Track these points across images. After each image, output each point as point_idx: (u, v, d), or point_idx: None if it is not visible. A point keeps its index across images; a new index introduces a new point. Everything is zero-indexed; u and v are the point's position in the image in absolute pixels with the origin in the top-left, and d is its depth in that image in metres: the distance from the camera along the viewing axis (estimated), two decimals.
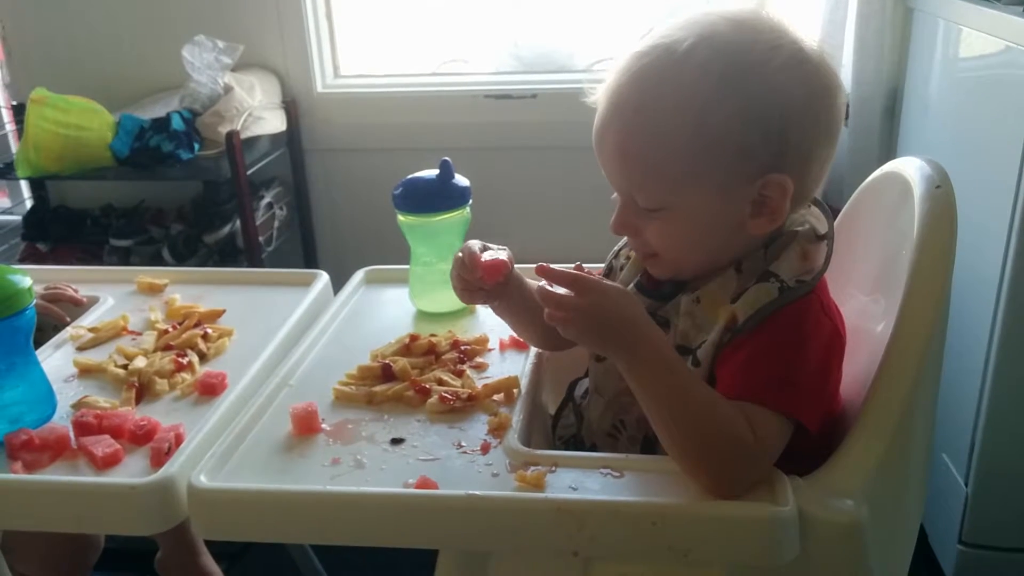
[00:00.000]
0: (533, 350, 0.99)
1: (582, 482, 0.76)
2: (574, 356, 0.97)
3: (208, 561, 1.38)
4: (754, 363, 0.75)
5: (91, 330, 1.08)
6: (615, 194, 0.83)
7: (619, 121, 0.78)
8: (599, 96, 0.81)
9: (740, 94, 0.74)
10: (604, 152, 0.80)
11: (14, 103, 2.07)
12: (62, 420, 0.91)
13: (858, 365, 0.82)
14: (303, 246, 2.15)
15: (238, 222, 1.90)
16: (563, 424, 0.93)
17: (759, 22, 0.77)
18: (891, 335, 0.79)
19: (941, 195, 0.82)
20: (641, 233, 0.81)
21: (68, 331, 1.09)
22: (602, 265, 0.96)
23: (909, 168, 0.88)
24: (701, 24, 0.77)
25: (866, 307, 0.89)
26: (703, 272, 0.82)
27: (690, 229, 0.79)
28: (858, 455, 0.76)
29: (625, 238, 0.89)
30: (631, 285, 0.88)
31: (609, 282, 0.78)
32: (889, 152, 1.84)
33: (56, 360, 1.03)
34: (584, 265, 0.86)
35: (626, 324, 0.75)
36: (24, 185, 2.24)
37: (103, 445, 0.84)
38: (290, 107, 2.02)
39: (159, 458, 0.83)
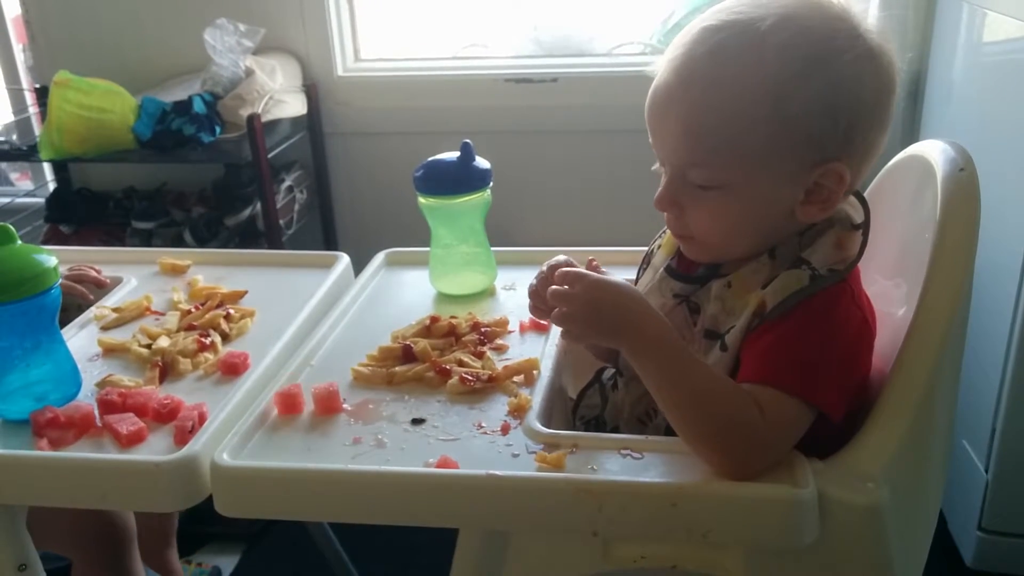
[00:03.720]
0: (554, 333, 0.99)
1: (602, 463, 0.77)
2: None
3: (174, 557, 1.39)
4: (777, 348, 0.75)
5: (115, 310, 1.09)
6: (656, 165, 0.82)
7: (689, 95, 0.77)
8: (661, 68, 0.79)
9: (820, 80, 0.74)
10: (665, 124, 0.79)
11: (37, 86, 2.09)
12: (87, 398, 0.92)
13: (879, 349, 0.82)
14: (323, 229, 2.16)
15: (259, 205, 1.91)
16: (586, 404, 0.93)
17: (835, 8, 0.77)
18: (912, 319, 0.79)
19: (964, 178, 0.81)
20: (686, 211, 0.80)
21: (92, 311, 1.10)
22: (616, 249, 0.95)
23: (932, 151, 0.87)
24: (779, 3, 0.76)
25: (887, 291, 0.88)
26: (738, 257, 0.81)
27: (741, 210, 0.78)
28: (878, 438, 0.75)
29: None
30: (662, 268, 0.88)
31: (601, 275, 0.79)
32: (912, 136, 1.83)
33: (81, 339, 1.05)
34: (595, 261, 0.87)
35: (621, 311, 0.76)
36: (47, 167, 2.26)
37: (127, 423, 0.85)
38: (311, 91, 2.03)
39: (183, 436, 0.84)
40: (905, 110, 1.81)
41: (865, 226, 0.80)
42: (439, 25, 2.22)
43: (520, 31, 2.17)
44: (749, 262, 0.81)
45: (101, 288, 1.17)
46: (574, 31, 2.15)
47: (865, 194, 0.97)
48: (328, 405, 0.88)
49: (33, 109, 2.10)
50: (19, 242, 0.89)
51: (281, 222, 1.93)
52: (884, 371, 0.80)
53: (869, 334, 0.80)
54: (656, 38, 2.21)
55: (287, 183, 1.99)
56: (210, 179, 2.07)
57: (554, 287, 0.78)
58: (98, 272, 1.18)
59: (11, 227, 0.89)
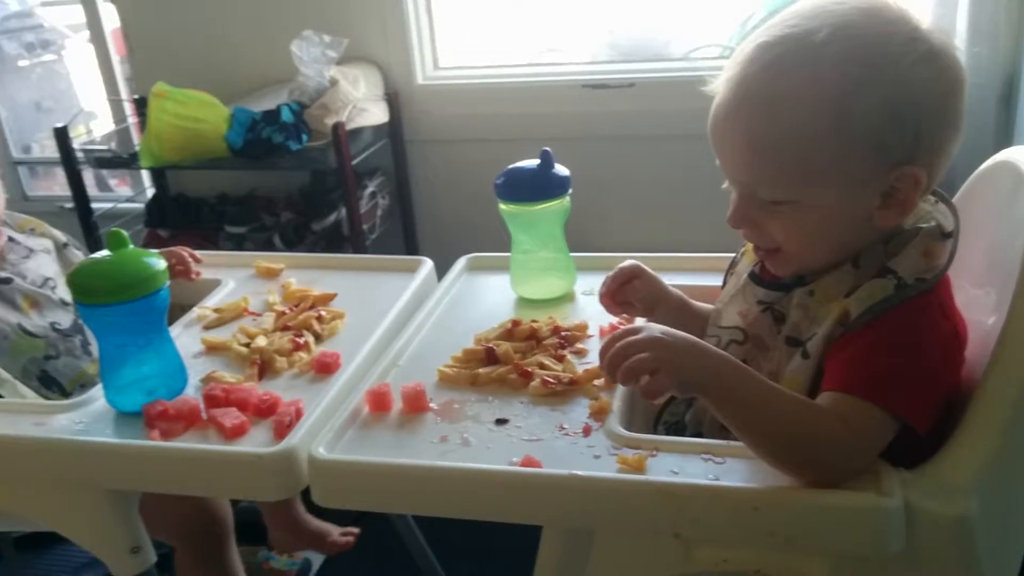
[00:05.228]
0: None
1: (683, 467, 0.78)
2: None
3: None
4: (862, 358, 0.75)
5: (216, 311, 1.16)
6: (726, 184, 0.83)
7: (749, 113, 0.77)
8: (720, 87, 0.79)
9: (880, 87, 0.73)
10: (728, 145, 0.79)
11: (136, 96, 2.20)
12: (192, 393, 0.98)
13: (969, 358, 0.81)
14: (404, 234, 2.21)
15: (344, 210, 1.97)
16: (671, 411, 0.94)
17: (890, 12, 0.76)
18: (1003, 328, 0.77)
19: None
20: (762, 227, 0.80)
21: (195, 311, 1.16)
22: (693, 255, 0.95)
23: (1023, 157, 0.86)
24: (833, 13, 0.75)
25: (977, 299, 0.87)
26: (823, 268, 0.81)
27: (816, 222, 0.78)
28: (968, 448, 0.74)
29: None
30: (746, 275, 0.89)
31: (662, 328, 0.76)
32: (1005, 141, 1.77)
33: (185, 338, 1.11)
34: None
35: (691, 349, 0.74)
36: (145, 174, 2.38)
37: (231, 417, 0.91)
38: (392, 99, 2.08)
39: (281, 430, 0.89)
40: (997, 114, 1.76)
41: (955, 234, 0.79)
42: (514, 32, 2.25)
43: (596, 36, 2.18)
44: (832, 271, 0.80)
45: (197, 263, 1.26)
46: (650, 35, 2.16)
47: (953, 200, 0.96)
48: (416, 404, 0.91)
49: (132, 119, 2.21)
50: (131, 246, 0.95)
51: (364, 227, 1.98)
52: (973, 380, 0.79)
53: (958, 345, 0.79)
54: (734, 40, 2.19)
55: (370, 189, 2.05)
56: (297, 185, 2.14)
57: (630, 353, 0.74)
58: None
59: (124, 232, 0.95)
